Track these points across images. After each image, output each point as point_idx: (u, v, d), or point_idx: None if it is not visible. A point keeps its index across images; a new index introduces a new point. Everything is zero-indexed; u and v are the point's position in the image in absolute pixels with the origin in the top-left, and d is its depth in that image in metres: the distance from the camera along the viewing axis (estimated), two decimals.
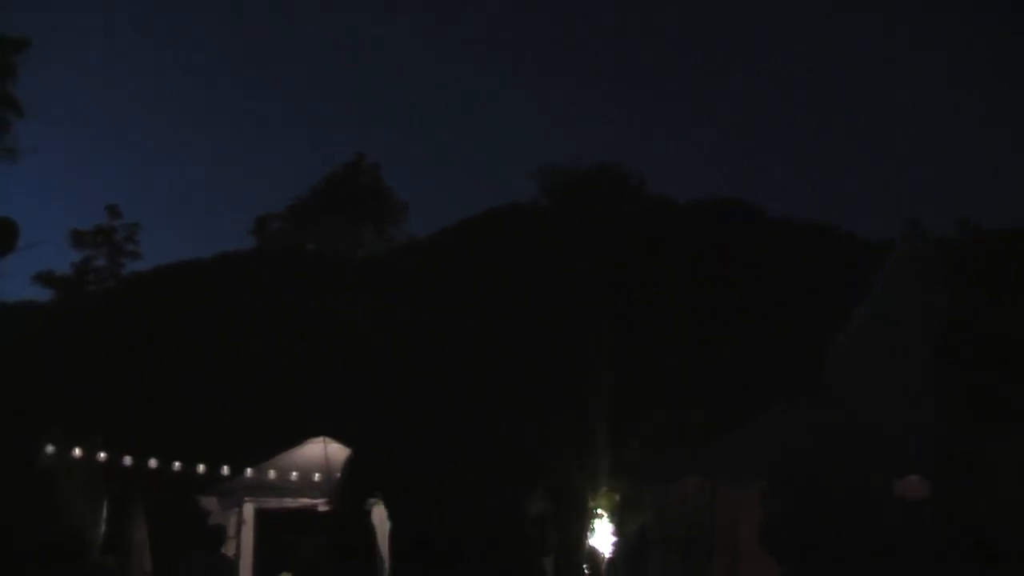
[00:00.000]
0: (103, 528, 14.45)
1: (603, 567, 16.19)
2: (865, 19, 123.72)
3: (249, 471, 17.52)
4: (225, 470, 16.52)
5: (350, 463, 18.18)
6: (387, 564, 18.45)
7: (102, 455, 13.97)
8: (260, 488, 18.09)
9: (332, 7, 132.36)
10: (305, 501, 18.30)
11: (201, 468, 15.92)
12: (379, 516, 18.65)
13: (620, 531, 16.54)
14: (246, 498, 18.38)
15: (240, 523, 18.29)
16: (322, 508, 18.33)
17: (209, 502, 18.34)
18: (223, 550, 14.65)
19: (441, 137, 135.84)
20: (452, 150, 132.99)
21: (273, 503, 18.57)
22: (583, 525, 19.56)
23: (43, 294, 53.31)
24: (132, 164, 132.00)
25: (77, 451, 13.50)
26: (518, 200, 49.71)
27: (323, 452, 18.53)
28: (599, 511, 18.37)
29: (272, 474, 17.65)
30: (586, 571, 16.94)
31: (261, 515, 18.84)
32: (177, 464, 15.36)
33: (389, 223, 55.30)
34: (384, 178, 56.81)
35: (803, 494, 5.48)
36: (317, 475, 17.85)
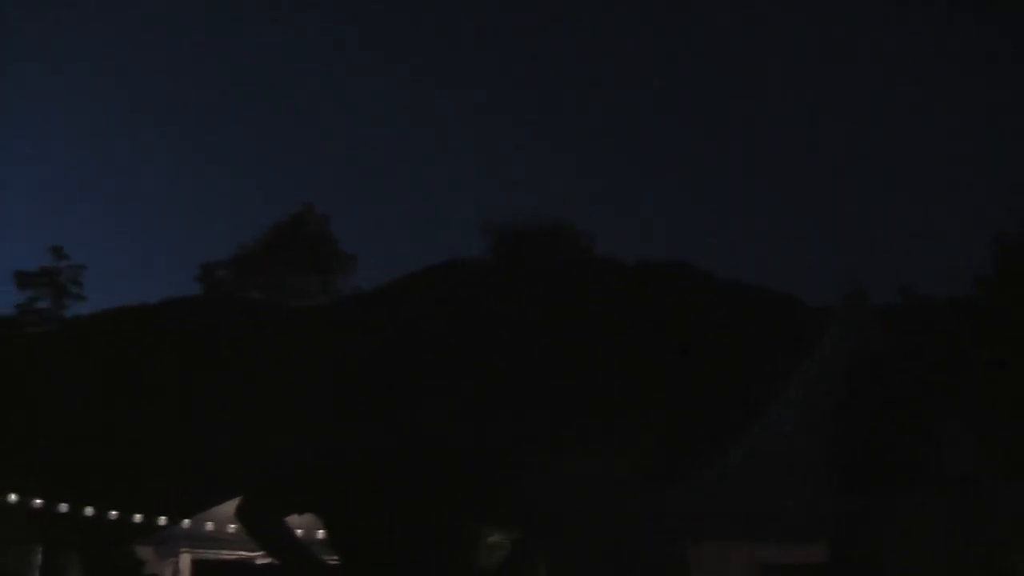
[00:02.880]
0: (37, 575, 14.32)
1: None
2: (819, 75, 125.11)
3: (186, 521, 17.42)
4: (162, 520, 16.42)
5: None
6: None
7: (37, 501, 13.86)
8: (198, 538, 17.98)
9: (281, 52, 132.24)
10: (243, 553, 18.21)
11: (138, 517, 15.82)
12: None
13: None
14: (183, 548, 18.27)
15: (176, 573, 18.17)
16: (260, 561, 18.25)
17: (145, 551, 18.23)
18: None
19: (391, 189, 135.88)
20: (402, 203, 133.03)
21: (211, 554, 18.46)
22: None
23: None
24: (79, 204, 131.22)
25: (12, 496, 13.40)
26: (466, 254, 49.92)
27: None
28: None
29: (210, 525, 17.55)
30: None
31: (198, 565, 18.72)
32: (113, 512, 15.25)
33: (336, 274, 55.26)
34: (333, 230, 56.84)
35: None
36: None
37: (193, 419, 32.69)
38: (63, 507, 14.47)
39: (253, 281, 54.04)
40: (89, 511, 14.88)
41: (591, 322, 37.28)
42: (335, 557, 4.62)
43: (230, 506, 17.99)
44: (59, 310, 54.28)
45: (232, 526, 17.55)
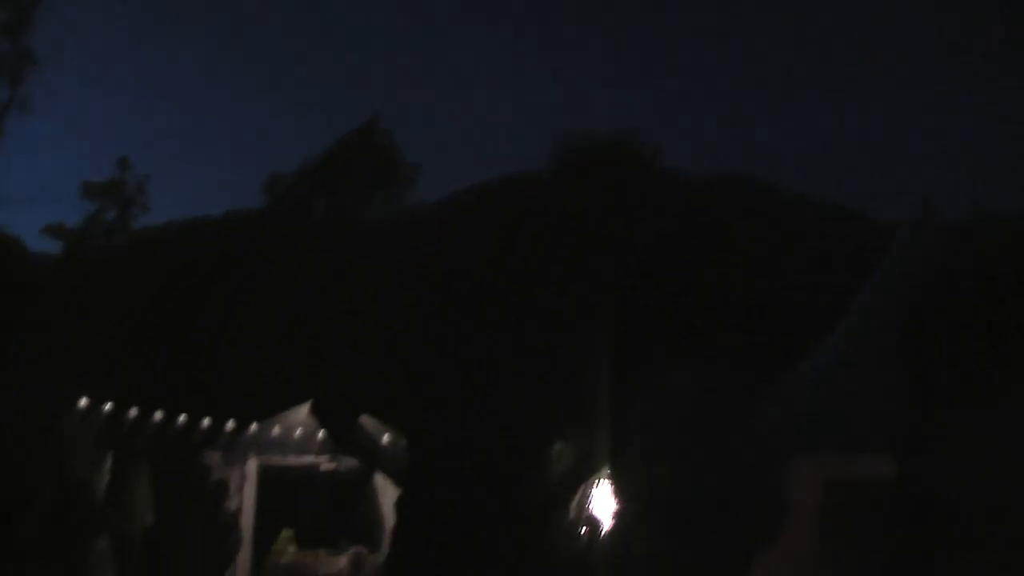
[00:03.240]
0: (106, 481, 14.50)
1: (600, 536, 16.20)
2: None
3: (254, 427, 17.59)
4: (229, 425, 16.57)
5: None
6: (386, 523, 18.56)
7: (107, 407, 14.01)
8: (264, 445, 18.18)
9: None
10: (308, 459, 18.39)
11: (206, 423, 15.96)
12: (381, 477, 18.75)
13: (619, 502, 16.57)
14: (249, 454, 18.48)
15: (243, 479, 18.38)
16: (325, 467, 18.42)
17: (212, 457, 18.45)
18: (226, 505, 14.77)
19: (456, 103, 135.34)
20: (467, 116, 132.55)
21: (276, 460, 18.66)
22: (583, 495, 19.61)
23: (53, 246, 53.48)
24: (145, 117, 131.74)
25: (83, 402, 13.55)
26: (530, 169, 49.63)
27: None
28: (598, 481, 18.42)
29: (277, 430, 17.71)
30: (584, 539, 16.96)
31: (264, 471, 18.93)
32: (182, 418, 15.39)
33: (400, 187, 55.23)
34: (397, 142, 56.67)
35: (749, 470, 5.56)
36: (321, 432, 17.91)
37: (260, 328, 32.90)
38: (132, 413, 14.61)
39: (318, 193, 54.12)
40: (158, 417, 15.02)
41: (657, 237, 37.02)
42: (405, 462, 4.62)
43: (297, 412, 18.17)
44: (126, 221, 54.74)
45: (299, 431, 17.72)
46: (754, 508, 5.51)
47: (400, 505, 8.64)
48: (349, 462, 18.40)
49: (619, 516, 14.25)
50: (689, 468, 5.57)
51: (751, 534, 5.58)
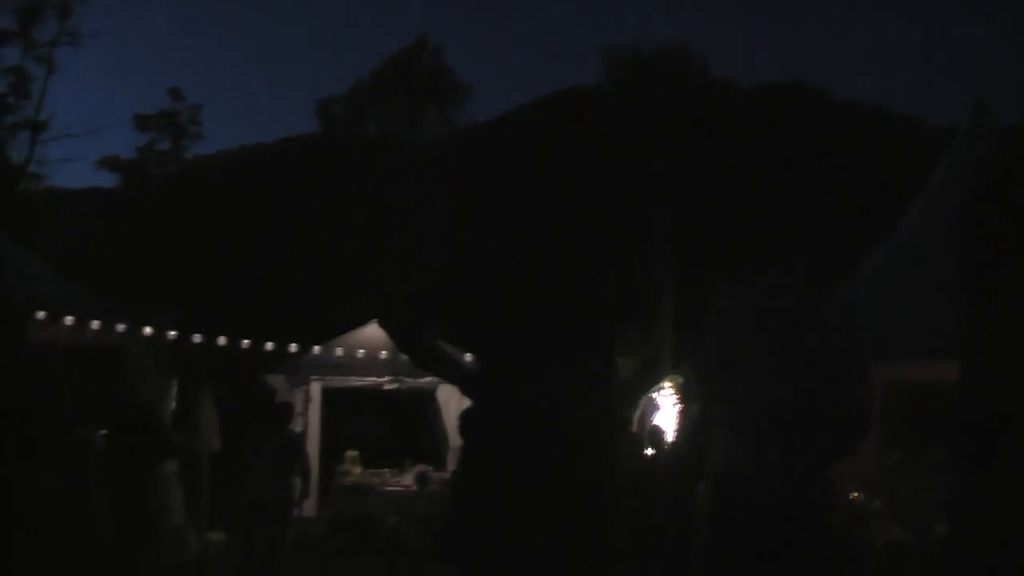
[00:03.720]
0: (172, 406, 14.65)
1: (666, 447, 16.16)
2: None
3: (316, 349, 17.70)
4: (293, 348, 16.69)
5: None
6: (450, 442, 18.68)
7: (172, 333, 14.13)
8: (327, 366, 18.29)
9: None
10: (371, 379, 18.49)
11: (269, 346, 16.08)
12: (444, 394, 18.84)
13: (684, 412, 16.54)
14: (313, 376, 18.61)
15: (307, 401, 18.54)
16: (387, 387, 18.52)
17: (276, 380, 18.61)
18: (290, 428, 14.88)
19: (504, 18, 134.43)
20: (516, 31, 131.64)
21: (339, 381, 18.79)
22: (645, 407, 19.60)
23: (108, 179, 53.95)
24: (194, 46, 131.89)
25: (147, 329, 13.66)
26: (582, 83, 49.34)
27: None
28: (663, 389, 18.38)
29: (339, 352, 17.80)
30: (648, 450, 16.96)
31: (327, 393, 19.08)
32: (245, 342, 15.51)
33: (451, 106, 55.09)
34: (447, 60, 56.52)
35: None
36: (383, 353, 17.98)
37: (318, 251, 33.08)
38: (197, 338, 14.73)
39: (370, 115, 54.10)
40: (222, 341, 15.14)
41: (714, 145, 36.84)
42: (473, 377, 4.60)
43: (359, 333, 18.24)
44: (179, 151, 55.01)
45: (361, 352, 17.80)
46: (832, 413, 5.44)
47: (465, 420, 8.62)
48: (412, 382, 18.49)
49: (687, 426, 14.21)
50: (765, 371, 5.49)
51: (829, 440, 5.52)
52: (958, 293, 4.62)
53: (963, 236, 4.72)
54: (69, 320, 12.27)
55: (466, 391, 4.75)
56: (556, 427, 4.36)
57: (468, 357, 4.89)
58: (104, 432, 12.81)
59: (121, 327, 13.17)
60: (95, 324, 12.69)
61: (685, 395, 16.41)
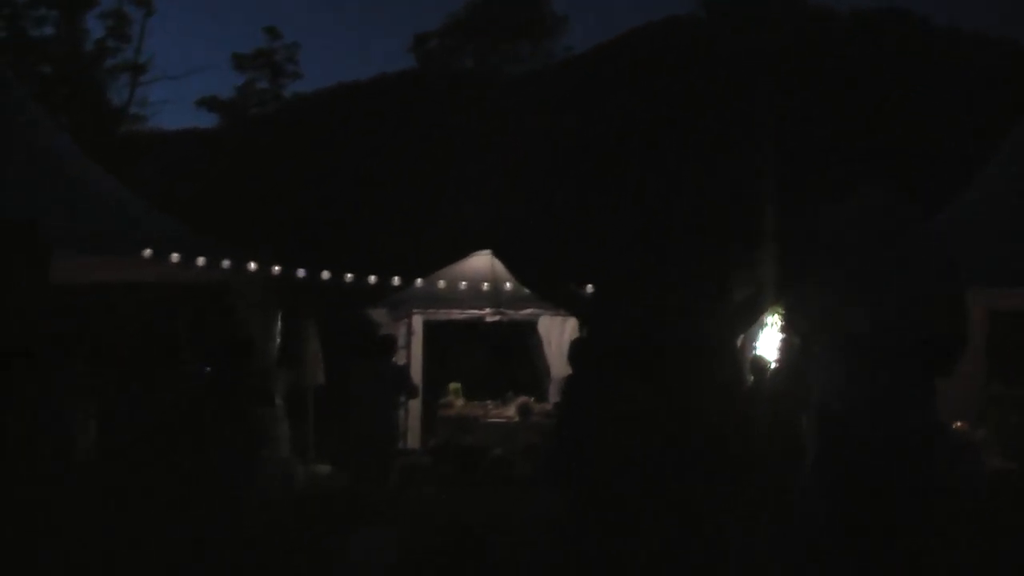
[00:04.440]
0: (277, 341, 14.81)
1: (768, 376, 16.05)
2: None
3: (419, 282, 17.79)
4: (395, 282, 16.78)
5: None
6: (552, 373, 18.74)
7: (276, 268, 14.26)
8: (429, 299, 18.39)
9: None
10: (472, 312, 18.57)
11: (371, 280, 16.17)
12: (545, 326, 18.88)
13: (785, 341, 16.40)
14: (415, 309, 18.72)
15: (409, 334, 18.67)
16: (489, 319, 18.59)
17: (379, 314, 18.75)
18: (394, 360, 15.01)
19: None
20: None
21: (441, 314, 18.89)
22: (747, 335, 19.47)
23: (208, 119, 54.48)
24: None
25: (252, 265, 13.79)
26: (676, 13, 49.06)
27: (490, 264, 18.74)
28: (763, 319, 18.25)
29: (441, 284, 17.87)
30: (751, 379, 16.85)
31: (429, 326, 19.20)
32: (348, 276, 15.60)
33: (547, 38, 54.78)
34: None
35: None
36: (485, 285, 18.03)
37: (417, 185, 33.18)
38: (300, 273, 14.85)
39: (465, 49, 54.01)
40: (325, 276, 15.25)
41: (813, 75, 36.32)
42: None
43: (461, 265, 18.30)
44: (277, 90, 55.38)
45: (463, 285, 17.87)
46: (935, 338, 5.36)
47: (574, 349, 8.62)
48: (513, 314, 18.56)
49: (789, 355, 14.10)
50: (871, 293, 5.42)
51: (932, 365, 5.45)
52: None
53: None
54: (175, 257, 12.42)
55: (584, 321, 4.78)
56: (672, 351, 4.36)
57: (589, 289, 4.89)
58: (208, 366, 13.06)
59: (226, 263, 13.31)
60: (200, 261, 12.83)
61: (788, 322, 16.29)
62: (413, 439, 18.48)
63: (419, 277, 17.86)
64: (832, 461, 5.53)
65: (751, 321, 5.74)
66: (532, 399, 18.31)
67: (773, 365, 16.56)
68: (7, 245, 6.89)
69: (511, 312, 18.42)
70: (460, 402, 18.72)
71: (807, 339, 6.67)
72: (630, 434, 4.39)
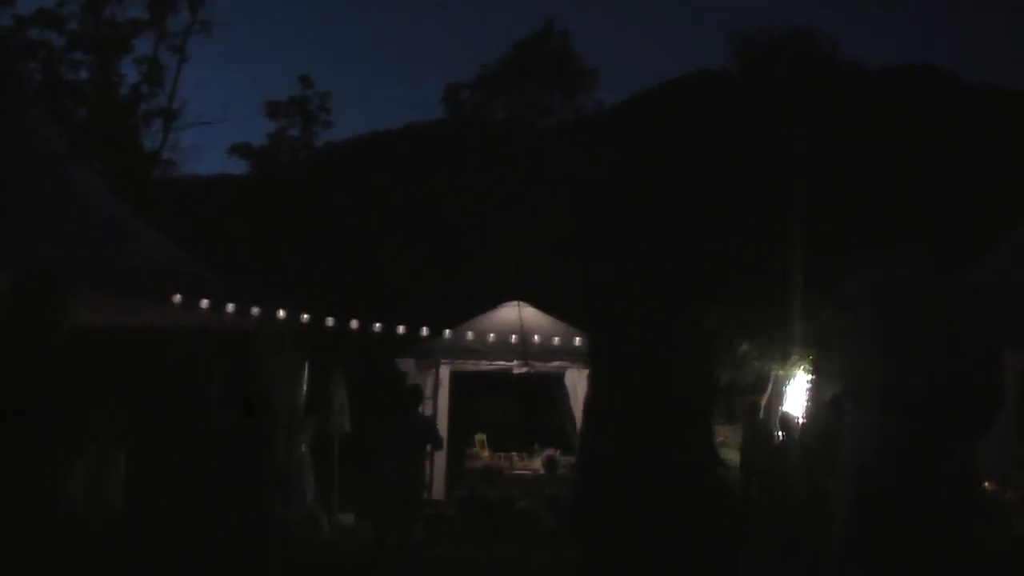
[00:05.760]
0: (305, 389, 14.79)
1: (796, 433, 15.99)
2: None
3: (447, 332, 17.77)
4: (424, 332, 16.77)
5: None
6: (578, 425, 18.66)
7: (305, 317, 14.25)
8: (456, 350, 18.36)
9: None
10: (500, 363, 18.53)
11: (400, 330, 16.16)
12: (572, 379, 18.83)
13: (815, 398, 16.34)
14: (443, 360, 18.70)
15: (436, 384, 18.64)
16: (516, 371, 18.54)
17: (406, 364, 18.75)
18: (420, 410, 14.97)
19: (631, 3, 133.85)
20: (643, 17, 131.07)
21: (469, 365, 18.87)
22: (774, 392, 19.41)
23: (238, 166, 54.82)
24: (323, 34, 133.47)
25: (281, 313, 13.79)
26: (709, 67, 49.27)
27: (518, 316, 18.75)
28: (791, 376, 18.20)
29: (469, 336, 17.86)
30: (780, 436, 16.77)
31: (456, 376, 19.17)
32: (377, 326, 15.59)
33: (578, 91, 54.97)
34: (574, 46, 56.47)
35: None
36: (513, 337, 18.02)
37: (449, 236, 33.27)
38: (329, 322, 14.84)
39: (497, 101, 54.23)
40: (354, 325, 15.24)
41: (842, 128, 36.36)
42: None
43: (490, 317, 18.31)
44: (309, 138, 55.65)
45: (492, 336, 17.85)
46: (974, 395, 5.31)
47: (590, 406, 8.53)
48: (541, 366, 18.52)
49: (819, 412, 13.99)
50: (906, 350, 5.38)
51: (963, 421, 5.39)
52: None
53: None
54: (204, 303, 12.42)
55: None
56: (674, 412, 4.34)
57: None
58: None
59: (255, 311, 13.30)
60: (230, 308, 12.83)
61: (818, 378, 16.21)
62: (438, 490, 18.40)
63: (447, 328, 17.84)
64: (868, 522, 5.47)
65: (763, 387, 5.73)
66: (558, 451, 18.26)
67: (801, 421, 16.49)
68: (20, 293, 6.88)
69: (538, 364, 18.38)
70: (486, 453, 18.69)
71: (839, 396, 6.63)
72: (641, 487, 4.36)
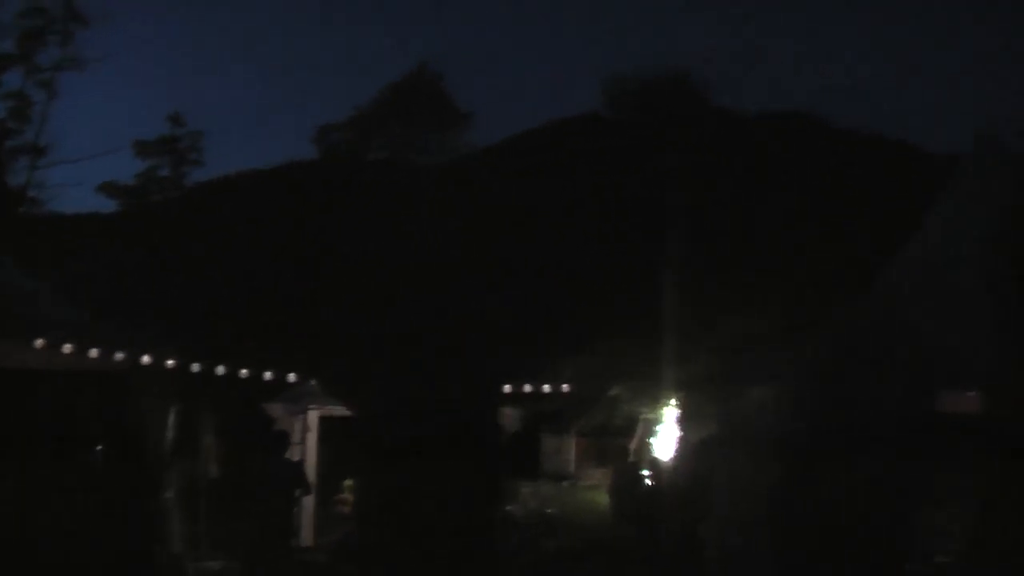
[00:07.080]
0: (171, 434, 14.64)
1: (664, 475, 16.19)
2: None
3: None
4: (291, 377, 16.69)
5: None
6: None
7: (170, 362, 14.12)
8: (324, 396, 18.30)
9: None
10: None
11: (267, 375, 16.07)
12: None
13: (683, 440, 16.54)
14: (310, 405, 18.62)
15: (305, 429, 18.55)
16: None
17: (275, 408, 18.64)
18: (288, 455, 14.91)
19: (504, 46, 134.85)
20: (516, 59, 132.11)
21: (337, 410, 18.81)
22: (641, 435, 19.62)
23: (107, 204, 53.98)
24: (195, 73, 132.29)
25: (146, 358, 13.66)
26: (582, 110, 49.80)
27: None
28: (659, 419, 18.41)
29: None
30: (649, 482, 16.97)
31: (325, 421, 19.09)
32: (244, 371, 15.49)
33: (452, 133, 55.20)
34: (448, 89, 56.71)
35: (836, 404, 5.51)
36: None
37: (319, 277, 33.11)
38: (196, 367, 14.72)
39: (370, 142, 54.24)
40: (221, 370, 15.13)
41: (714, 173, 36.92)
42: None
43: None
44: (179, 178, 55.10)
45: None
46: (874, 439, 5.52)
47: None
48: None
49: (686, 455, 14.18)
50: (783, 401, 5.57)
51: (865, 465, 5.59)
52: (985, 328, 4.69)
53: (989, 276, 4.80)
54: (67, 348, 12.30)
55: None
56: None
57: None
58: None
59: (119, 355, 13.18)
60: (93, 353, 12.71)
61: (685, 421, 16.43)
62: (307, 536, 18.28)
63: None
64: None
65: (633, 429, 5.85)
66: None
67: (670, 463, 16.69)
68: None
69: None
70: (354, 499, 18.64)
71: (706, 440, 6.79)
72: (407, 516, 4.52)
